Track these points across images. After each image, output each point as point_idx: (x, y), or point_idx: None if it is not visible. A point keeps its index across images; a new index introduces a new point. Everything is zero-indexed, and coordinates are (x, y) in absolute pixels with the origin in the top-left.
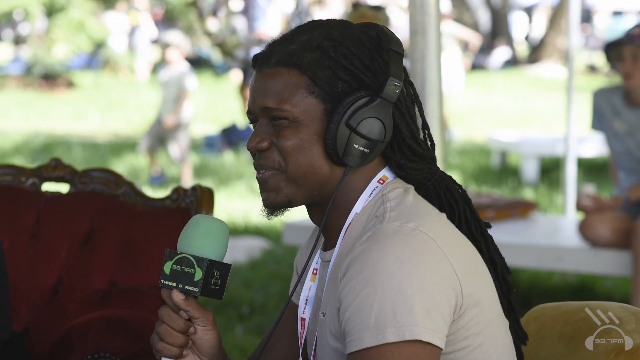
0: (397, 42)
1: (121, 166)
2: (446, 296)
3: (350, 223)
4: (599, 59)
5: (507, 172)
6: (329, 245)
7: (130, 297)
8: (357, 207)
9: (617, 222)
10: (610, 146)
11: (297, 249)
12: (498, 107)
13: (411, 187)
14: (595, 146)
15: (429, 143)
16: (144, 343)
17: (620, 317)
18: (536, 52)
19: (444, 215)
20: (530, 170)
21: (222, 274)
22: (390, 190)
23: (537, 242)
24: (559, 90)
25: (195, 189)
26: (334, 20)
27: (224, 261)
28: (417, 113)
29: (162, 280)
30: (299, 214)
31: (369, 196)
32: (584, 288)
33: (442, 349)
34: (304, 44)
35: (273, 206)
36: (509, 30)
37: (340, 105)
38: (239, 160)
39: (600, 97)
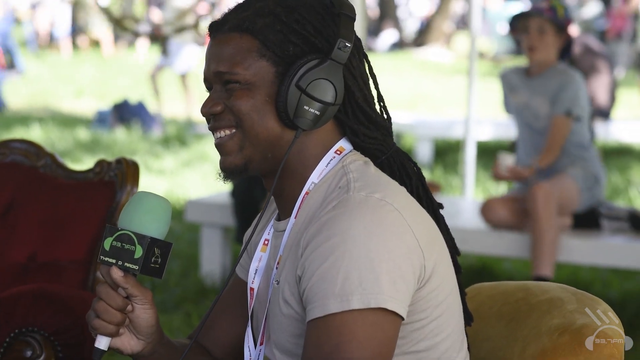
0: (349, 6)
1: None
2: (411, 267)
3: (307, 192)
4: (485, 44)
5: None
6: (283, 214)
7: (50, 271)
8: (314, 177)
9: (516, 204)
10: (515, 121)
11: (199, 226)
12: (386, 89)
13: (369, 160)
14: (490, 130)
15: (385, 116)
16: (72, 318)
17: (561, 297)
18: (423, 35)
19: (404, 189)
20: (424, 152)
21: (162, 252)
22: (351, 162)
23: None
24: (445, 73)
25: (120, 162)
26: None
27: (164, 239)
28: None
29: (102, 257)
30: (202, 191)
31: (326, 166)
32: (484, 269)
33: (403, 319)
34: (257, 10)
35: (230, 169)
36: (396, 12)
37: (291, 68)
38: (131, 137)
39: (504, 79)
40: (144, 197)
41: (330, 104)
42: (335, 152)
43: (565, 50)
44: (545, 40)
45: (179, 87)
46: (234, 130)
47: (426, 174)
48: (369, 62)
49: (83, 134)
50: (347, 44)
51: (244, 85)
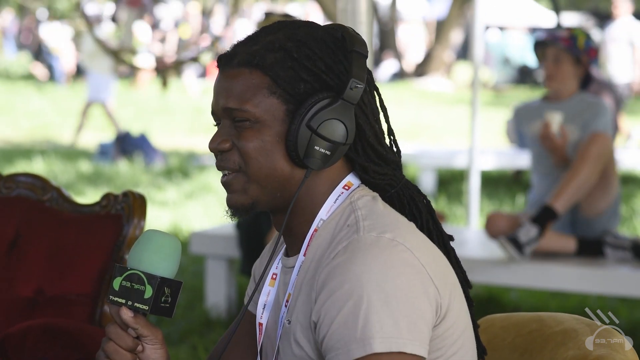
0: (362, 43)
1: None
2: (429, 305)
3: (316, 229)
4: (485, 74)
5: None
6: (292, 251)
7: (58, 305)
8: (323, 213)
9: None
10: (531, 154)
11: (203, 258)
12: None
13: (377, 195)
14: (492, 159)
15: (395, 149)
16: (82, 353)
17: (575, 329)
18: (423, 65)
19: (413, 225)
20: (428, 182)
21: (172, 291)
22: (359, 197)
23: None
24: (446, 103)
25: (127, 195)
26: (300, 21)
27: (174, 278)
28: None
29: (111, 297)
30: (205, 223)
31: (334, 202)
32: (491, 299)
33: (425, 358)
34: (267, 45)
35: (237, 207)
36: (396, 43)
37: (301, 107)
38: (133, 169)
39: (519, 112)
40: (153, 236)
41: (341, 144)
42: (344, 188)
43: (584, 81)
44: (561, 70)
45: (81, 113)
46: (238, 173)
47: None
48: (379, 95)
49: (85, 166)
50: (358, 84)
51: (253, 122)
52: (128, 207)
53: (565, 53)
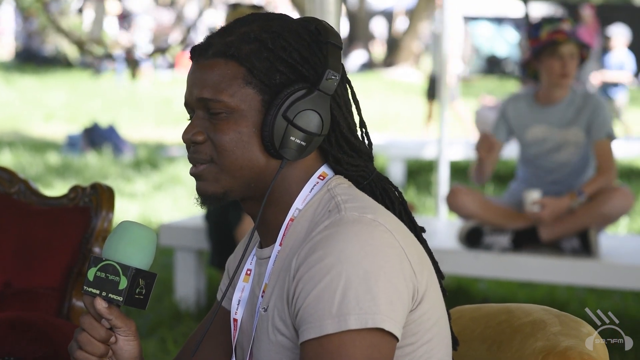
0: (336, 35)
1: None
2: (406, 288)
3: (292, 219)
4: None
5: None
6: (266, 242)
7: (25, 298)
8: (298, 203)
9: (485, 199)
10: (523, 154)
11: (173, 250)
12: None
13: (352, 184)
14: (461, 150)
15: (367, 142)
16: (50, 346)
17: (544, 319)
18: (392, 55)
19: (389, 211)
20: (396, 172)
21: (147, 283)
22: (335, 185)
23: None
24: (415, 93)
25: (95, 187)
26: (273, 14)
27: (149, 270)
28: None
29: (85, 287)
30: (174, 215)
31: (310, 191)
32: (460, 290)
33: (398, 341)
34: (242, 36)
35: (207, 195)
36: (367, 33)
37: (277, 97)
38: (102, 161)
39: (508, 108)
40: (128, 227)
41: (317, 134)
42: (319, 178)
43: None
44: (574, 65)
45: None
46: (211, 164)
47: None
48: (352, 88)
49: (54, 158)
50: (334, 75)
51: (229, 113)
52: (96, 199)
53: (576, 46)
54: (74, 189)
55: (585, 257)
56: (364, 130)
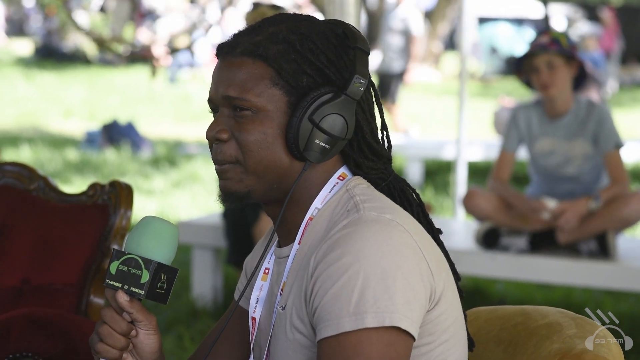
0: (363, 40)
1: None
2: (423, 288)
3: (311, 218)
4: (473, 65)
5: None
6: (285, 241)
7: (44, 295)
8: (317, 202)
9: (502, 202)
10: (534, 165)
11: (190, 247)
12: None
13: (371, 185)
14: (480, 150)
15: (387, 144)
16: (67, 342)
17: (560, 322)
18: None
19: (408, 213)
20: (414, 172)
21: (168, 277)
22: (354, 186)
23: None
24: (434, 93)
25: (114, 185)
26: (301, 15)
27: (171, 265)
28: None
29: (107, 280)
30: (192, 212)
31: (330, 192)
32: (477, 291)
33: (415, 340)
34: (271, 36)
35: (231, 194)
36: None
37: (304, 100)
38: (120, 157)
39: (519, 117)
40: (151, 222)
41: (341, 138)
42: (338, 178)
43: (581, 77)
44: (557, 75)
45: None
46: (235, 165)
47: None
48: (375, 91)
49: (72, 154)
50: (362, 80)
51: (254, 112)
52: (115, 197)
53: (558, 57)
54: (93, 186)
55: (602, 260)
56: (385, 133)
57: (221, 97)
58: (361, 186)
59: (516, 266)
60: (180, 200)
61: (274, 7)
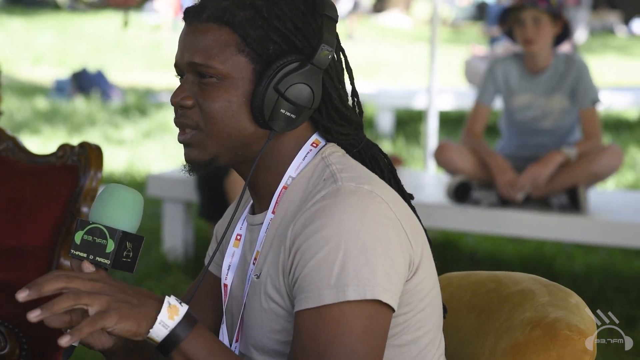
0: (332, 6)
1: None
2: (402, 259)
3: (285, 187)
4: (444, 11)
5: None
6: (258, 208)
7: (14, 257)
8: (291, 171)
9: (470, 153)
10: (508, 118)
11: (161, 201)
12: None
13: (345, 152)
14: (451, 99)
15: (357, 110)
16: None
17: (532, 289)
18: (382, 0)
19: (383, 181)
20: (385, 122)
21: (134, 246)
22: (330, 153)
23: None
24: (405, 39)
25: (83, 146)
26: None
27: (136, 233)
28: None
29: (72, 250)
30: (163, 163)
31: (303, 159)
32: (447, 244)
33: (394, 311)
34: (238, 2)
35: (195, 162)
36: None
37: (269, 68)
38: (90, 106)
39: (497, 70)
40: (115, 190)
41: (307, 108)
42: (311, 145)
43: (564, 35)
44: (542, 32)
45: None
46: (198, 131)
47: (388, 145)
48: (345, 57)
49: (42, 103)
50: (328, 49)
51: (219, 79)
52: (84, 158)
53: (545, 14)
54: (62, 147)
55: (573, 213)
56: (355, 100)
57: (186, 63)
58: (336, 154)
59: (487, 220)
60: (151, 151)
61: None
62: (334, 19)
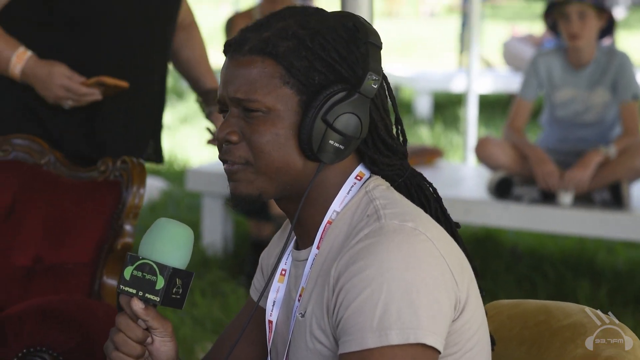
0: (375, 34)
1: None
2: (447, 299)
3: (329, 221)
4: None
5: (400, 107)
6: (303, 244)
7: (56, 275)
8: (336, 205)
9: (512, 148)
10: (550, 112)
11: (199, 195)
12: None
13: (390, 185)
14: (490, 82)
15: (401, 138)
16: (81, 334)
17: (584, 324)
18: None
19: (429, 216)
20: (423, 106)
21: (184, 282)
22: (374, 187)
23: (444, 195)
24: (440, 14)
25: (125, 161)
26: (310, 8)
27: (186, 269)
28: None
29: (122, 286)
30: (203, 154)
31: (348, 193)
32: (489, 239)
33: (440, 353)
34: (280, 32)
35: (243, 198)
36: None
37: (316, 99)
38: None
39: (540, 65)
40: (166, 225)
41: (355, 138)
42: (356, 178)
43: (609, 29)
44: (587, 26)
45: None
46: (246, 166)
47: (426, 132)
48: (388, 84)
49: None
50: (375, 77)
51: (266, 113)
52: (127, 173)
53: (590, 7)
54: (104, 162)
55: (615, 209)
56: (399, 127)
57: (230, 98)
58: (380, 187)
59: (529, 216)
60: (190, 137)
61: None
62: (378, 46)
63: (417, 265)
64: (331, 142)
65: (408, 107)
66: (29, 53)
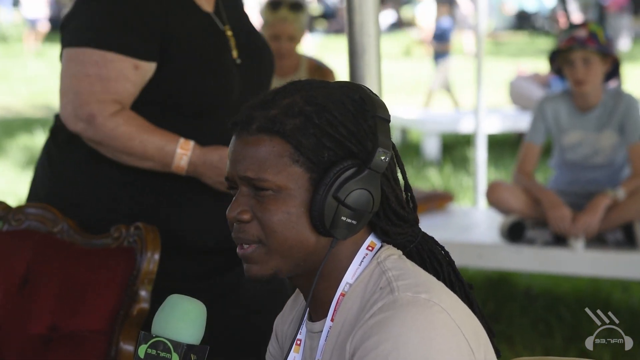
0: (382, 106)
1: (15, 149)
2: None
3: (342, 294)
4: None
5: (409, 149)
6: (316, 316)
7: (72, 343)
8: (348, 277)
9: (523, 192)
10: (559, 156)
11: None
12: (388, 75)
13: (402, 254)
14: (497, 122)
15: (412, 204)
16: None
17: None
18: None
19: (442, 284)
20: (432, 147)
21: (199, 357)
22: (385, 257)
23: (457, 240)
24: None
25: (139, 227)
26: (315, 82)
27: (200, 344)
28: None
29: None
30: None
31: (359, 264)
32: (502, 282)
33: None
34: (286, 109)
35: (257, 278)
36: None
37: (326, 176)
38: None
39: (547, 109)
40: (178, 302)
41: (367, 212)
42: (367, 249)
43: (614, 72)
44: (592, 71)
45: None
46: (259, 245)
47: (435, 174)
48: (397, 153)
49: None
50: (385, 152)
51: (276, 192)
52: (140, 239)
53: (594, 54)
54: (118, 228)
55: (629, 249)
56: (408, 194)
57: (239, 177)
58: (392, 258)
59: (542, 259)
60: None
61: (295, 7)
62: (386, 119)
63: (432, 337)
64: (343, 218)
65: (416, 149)
66: (192, 142)
